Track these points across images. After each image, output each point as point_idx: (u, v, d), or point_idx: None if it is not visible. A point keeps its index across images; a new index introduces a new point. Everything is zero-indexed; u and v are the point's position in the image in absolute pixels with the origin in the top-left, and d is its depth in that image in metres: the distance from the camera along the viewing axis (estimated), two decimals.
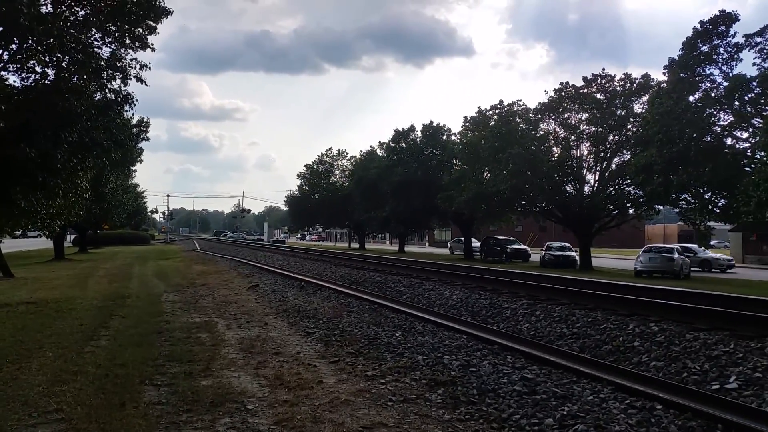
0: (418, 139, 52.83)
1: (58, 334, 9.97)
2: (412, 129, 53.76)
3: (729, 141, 27.01)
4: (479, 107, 40.81)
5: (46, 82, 16.13)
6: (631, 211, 35.79)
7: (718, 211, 27.34)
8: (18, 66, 16.28)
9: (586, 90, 34.82)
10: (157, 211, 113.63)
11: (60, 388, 6.52)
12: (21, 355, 8.20)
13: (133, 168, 52.68)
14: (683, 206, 29.38)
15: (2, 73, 16.20)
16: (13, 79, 16.83)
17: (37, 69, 16.27)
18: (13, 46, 16.02)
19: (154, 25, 16.69)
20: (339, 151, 72.73)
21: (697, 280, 25.94)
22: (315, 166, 71.84)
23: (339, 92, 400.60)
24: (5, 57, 16.01)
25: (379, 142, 59.33)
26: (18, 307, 13.44)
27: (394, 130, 54.56)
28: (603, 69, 34.81)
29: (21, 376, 7.05)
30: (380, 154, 58.51)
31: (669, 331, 8.87)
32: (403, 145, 53.29)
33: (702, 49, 26.57)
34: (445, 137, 51.46)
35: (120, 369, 7.41)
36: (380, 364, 7.91)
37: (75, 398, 6.16)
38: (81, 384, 6.72)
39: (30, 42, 15.72)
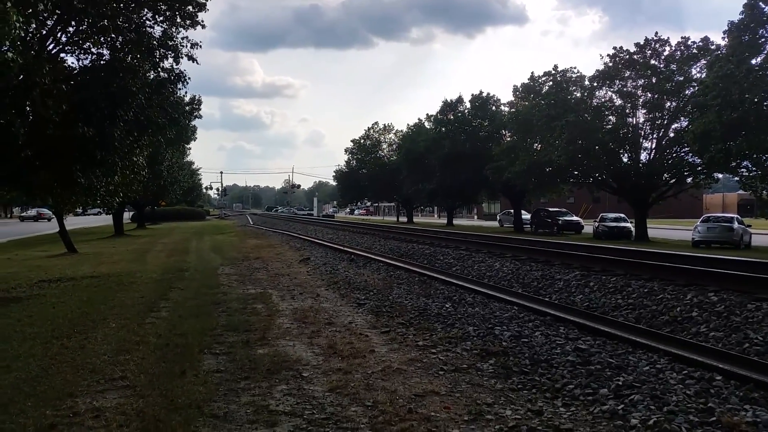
0: (466, 111, 52.08)
1: (121, 306, 10.38)
2: (460, 100, 53.04)
3: None
4: (532, 73, 39.83)
5: (102, 62, 16.56)
6: (689, 179, 34.61)
7: None
8: (75, 47, 16.76)
9: (639, 55, 33.58)
10: (211, 188, 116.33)
11: (124, 357, 6.80)
12: (87, 326, 8.58)
13: (188, 145, 53.83)
14: (744, 174, 28.23)
15: (61, 55, 16.70)
16: (71, 61, 17.35)
17: (93, 50, 16.71)
18: (70, 28, 16.47)
19: (203, 1, 16.88)
20: (385, 125, 72.58)
21: (758, 250, 24.99)
22: (362, 141, 71.88)
23: (387, 66, 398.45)
24: (63, 39, 16.49)
25: (427, 114, 58.81)
26: (82, 281, 14.04)
27: (442, 102, 53.95)
28: (656, 33, 33.51)
29: (88, 345, 7.39)
30: (428, 127, 58.04)
31: (729, 302, 8.61)
32: (451, 116, 52.62)
33: (765, 9, 25.22)
34: (494, 108, 50.58)
35: (180, 339, 7.66)
36: (431, 334, 7.95)
37: (138, 366, 6.42)
38: (143, 353, 6.99)
39: (85, 24, 16.14)
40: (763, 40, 25.47)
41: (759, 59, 25.48)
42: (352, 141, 72.91)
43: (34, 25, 14.13)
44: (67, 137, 14.99)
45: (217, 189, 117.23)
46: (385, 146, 71.81)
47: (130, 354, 6.93)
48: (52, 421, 4.85)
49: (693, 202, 54.84)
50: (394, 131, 71.51)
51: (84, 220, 56.22)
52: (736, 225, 27.80)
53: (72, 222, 32.72)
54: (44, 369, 6.37)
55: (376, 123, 73.43)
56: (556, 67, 38.26)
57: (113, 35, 16.15)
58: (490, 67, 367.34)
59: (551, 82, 38.08)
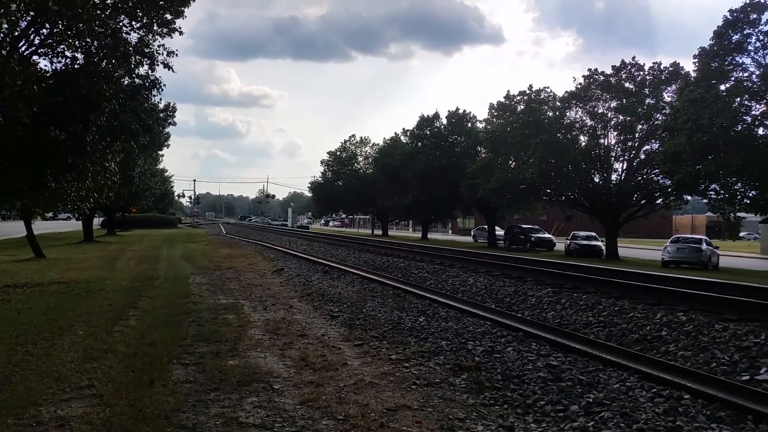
0: (442, 127, 52.48)
1: (89, 313, 10.17)
2: (436, 116, 53.43)
3: (761, 131, 26.40)
4: (508, 92, 40.55)
5: (76, 66, 16.35)
6: (659, 200, 35.29)
7: (748, 201, 26.85)
8: (49, 50, 16.52)
9: (614, 78, 34.26)
10: (183, 196, 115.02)
11: (91, 365, 6.65)
12: (53, 333, 8.38)
13: (161, 152, 53.47)
14: (712, 196, 28.88)
15: (34, 57, 16.44)
16: (44, 63, 17.10)
17: (67, 54, 16.50)
18: (44, 30, 16.24)
19: (181, 9, 16.81)
20: (361, 138, 72.83)
21: (725, 272, 25.52)
22: (338, 153, 71.93)
23: (365, 80, 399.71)
24: (36, 41, 16.25)
25: (404, 129, 59.11)
26: (49, 287, 13.73)
27: (419, 117, 54.33)
28: (633, 57, 34.17)
29: (54, 353, 7.21)
30: (404, 141, 58.32)
31: (697, 321, 8.75)
32: (428, 132, 52.99)
33: (733, 38, 26.02)
34: (470, 124, 51.07)
35: (149, 348, 7.53)
36: (404, 348, 7.93)
37: (105, 375, 6.28)
38: (111, 362, 6.85)
39: (60, 27, 15.93)
40: (731, 66, 26.23)
41: (728, 85, 26.20)
42: (328, 153, 73.03)
43: (6, 26, 13.90)
44: (39, 140, 14.75)
45: (190, 197, 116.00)
46: (361, 159, 72.02)
47: (97, 362, 6.79)
48: (14, 431, 4.72)
49: (663, 222, 55.88)
50: (370, 144, 71.82)
51: (53, 225, 55.15)
52: (704, 246, 28.36)
53: (40, 227, 32.10)
54: (7, 377, 6.19)
55: (353, 135, 73.69)
56: (531, 86, 38.89)
57: (88, 39, 15.98)
58: (466, 85, 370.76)
59: (525, 102, 38.64)
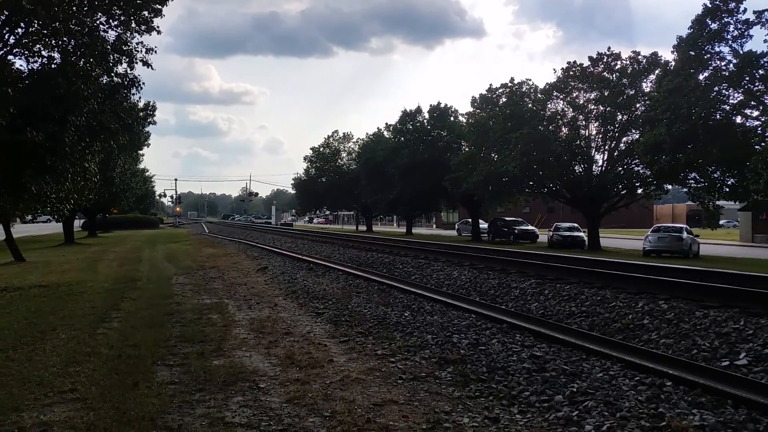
0: (425, 121, 52.54)
1: (71, 316, 10.07)
2: (419, 110, 53.46)
3: (739, 119, 26.79)
4: (490, 85, 40.72)
5: (53, 66, 16.14)
6: (639, 190, 35.62)
7: (727, 189, 27.21)
8: (24, 50, 16.29)
9: (593, 69, 34.50)
10: (165, 195, 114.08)
11: (74, 369, 6.59)
12: (35, 337, 8.29)
13: (141, 152, 52.92)
14: (692, 185, 29.23)
15: (9, 57, 16.21)
16: (19, 64, 16.86)
17: (43, 53, 16.31)
18: (19, 30, 16.01)
19: (159, 7, 16.64)
20: (344, 134, 72.69)
21: (706, 259, 25.85)
22: (321, 149, 71.76)
23: (348, 75, 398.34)
24: (11, 41, 16.01)
25: (386, 123, 59.08)
26: (30, 291, 13.57)
27: (402, 112, 54.31)
28: (609, 48, 34.43)
29: (35, 357, 7.14)
30: (387, 136, 58.29)
31: (678, 309, 8.86)
32: (410, 126, 53.02)
33: (711, 26, 26.26)
34: (452, 118, 51.17)
35: (132, 350, 7.48)
36: (390, 343, 7.95)
37: (89, 378, 6.23)
38: (94, 365, 6.79)
39: (35, 26, 15.72)
40: (708, 56, 26.50)
41: (706, 74, 26.49)
42: (311, 149, 72.84)
43: None
44: (16, 142, 14.56)
45: (171, 196, 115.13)
46: (344, 155, 71.86)
47: (80, 366, 6.73)
48: None
49: (644, 212, 56.46)
50: (353, 140, 71.70)
51: (32, 228, 54.50)
52: (685, 235, 28.68)
53: (19, 229, 31.71)
54: None
55: (336, 131, 73.66)
56: (512, 79, 38.99)
57: (65, 38, 15.79)
58: (448, 79, 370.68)
59: (507, 95, 38.75)
